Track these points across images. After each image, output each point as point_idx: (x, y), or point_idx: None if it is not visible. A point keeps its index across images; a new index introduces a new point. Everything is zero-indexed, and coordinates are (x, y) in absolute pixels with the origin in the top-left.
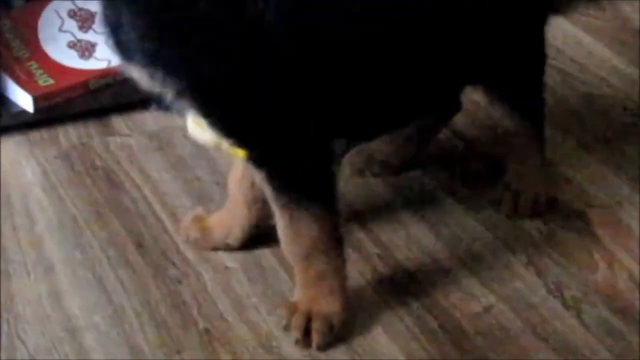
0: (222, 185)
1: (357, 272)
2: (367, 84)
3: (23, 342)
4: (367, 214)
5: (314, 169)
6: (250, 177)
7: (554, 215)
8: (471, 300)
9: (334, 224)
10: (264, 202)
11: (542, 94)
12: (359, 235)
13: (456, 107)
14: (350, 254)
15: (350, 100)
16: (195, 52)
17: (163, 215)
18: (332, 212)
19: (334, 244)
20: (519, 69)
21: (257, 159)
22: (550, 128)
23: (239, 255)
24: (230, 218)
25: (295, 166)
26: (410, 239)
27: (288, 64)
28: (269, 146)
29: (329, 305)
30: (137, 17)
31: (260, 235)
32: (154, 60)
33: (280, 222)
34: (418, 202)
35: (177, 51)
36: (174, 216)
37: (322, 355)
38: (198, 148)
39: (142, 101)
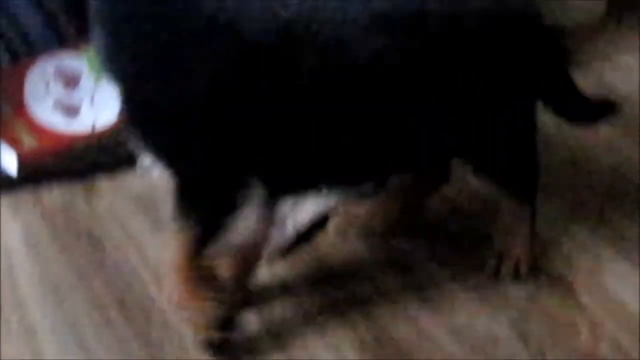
0: None
1: (338, 338)
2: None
3: None
4: (348, 278)
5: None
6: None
7: (538, 280)
8: None
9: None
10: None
11: (534, 167)
12: (341, 298)
13: (443, 177)
14: (331, 318)
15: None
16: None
17: (146, 277)
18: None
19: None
20: (504, 146)
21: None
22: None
23: None
24: None
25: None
26: (394, 305)
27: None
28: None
29: None
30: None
31: None
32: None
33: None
34: (401, 266)
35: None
36: (157, 277)
37: None
38: None
39: (126, 162)
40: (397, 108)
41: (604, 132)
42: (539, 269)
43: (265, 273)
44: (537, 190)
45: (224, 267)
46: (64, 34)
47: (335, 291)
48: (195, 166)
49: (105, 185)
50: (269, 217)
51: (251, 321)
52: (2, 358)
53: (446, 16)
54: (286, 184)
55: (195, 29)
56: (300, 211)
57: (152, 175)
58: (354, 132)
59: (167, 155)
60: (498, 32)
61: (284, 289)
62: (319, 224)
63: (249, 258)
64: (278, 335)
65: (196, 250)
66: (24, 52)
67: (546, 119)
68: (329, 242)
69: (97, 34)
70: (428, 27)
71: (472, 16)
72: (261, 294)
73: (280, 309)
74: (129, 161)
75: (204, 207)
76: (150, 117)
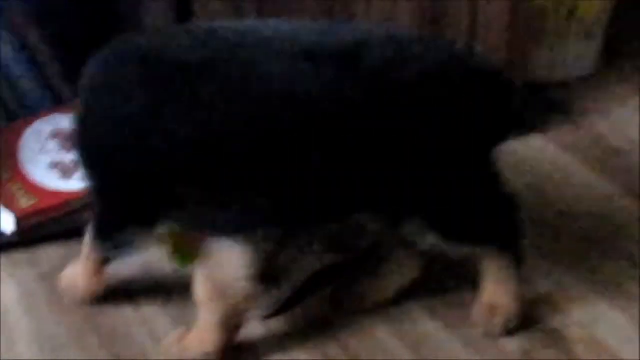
0: None
1: None
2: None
3: None
4: (338, 326)
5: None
6: None
7: (532, 334)
8: None
9: None
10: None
11: (505, 217)
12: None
13: None
14: None
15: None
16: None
17: (142, 337)
18: None
19: None
20: (461, 201)
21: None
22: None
23: None
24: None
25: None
26: (385, 353)
27: None
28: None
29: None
30: None
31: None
32: None
33: None
34: (396, 320)
35: None
36: (155, 337)
37: None
38: (179, 270)
39: None
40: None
41: (595, 183)
42: (533, 322)
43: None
44: (516, 241)
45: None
46: (60, 95)
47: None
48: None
49: None
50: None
51: None
52: None
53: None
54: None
55: None
56: (298, 268)
57: None
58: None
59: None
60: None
61: None
62: (316, 282)
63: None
64: None
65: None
66: (21, 114)
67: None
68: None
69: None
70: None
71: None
72: None
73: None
74: None
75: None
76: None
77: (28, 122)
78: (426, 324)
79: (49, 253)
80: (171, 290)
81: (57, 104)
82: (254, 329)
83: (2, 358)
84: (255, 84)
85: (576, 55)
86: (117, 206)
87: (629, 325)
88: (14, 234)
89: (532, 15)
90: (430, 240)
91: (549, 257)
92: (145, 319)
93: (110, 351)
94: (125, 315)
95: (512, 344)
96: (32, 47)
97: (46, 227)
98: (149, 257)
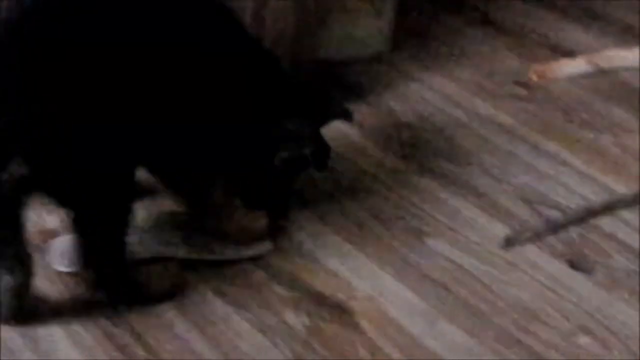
0: None
1: None
2: None
3: None
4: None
5: None
6: None
7: (318, 309)
8: None
9: None
10: None
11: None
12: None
13: None
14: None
15: None
16: None
17: None
18: None
19: None
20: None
21: None
22: (312, 218)
23: None
24: None
25: None
26: (175, 339)
27: None
28: None
29: None
30: None
31: None
32: None
33: None
34: (186, 303)
35: None
36: None
37: None
38: None
39: None
40: None
41: (384, 159)
42: (319, 297)
43: None
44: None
45: None
46: None
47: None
48: None
49: None
50: None
51: None
52: None
53: None
54: None
55: None
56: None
57: None
58: None
59: None
60: None
61: None
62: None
63: None
64: None
65: None
66: None
67: None
68: None
69: None
70: None
71: None
72: None
73: None
74: None
75: None
76: None
77: None
78: (215, 304)
79: None
80: None
81: None
82: None
83: None
84: None
85: (367, 33)
86: None
87: (413, 297)
88: None
89: None
90: None
91: (337, 232)
92: None
93: None
94: None
95: (298, 320)
96: None
97: None
98: None
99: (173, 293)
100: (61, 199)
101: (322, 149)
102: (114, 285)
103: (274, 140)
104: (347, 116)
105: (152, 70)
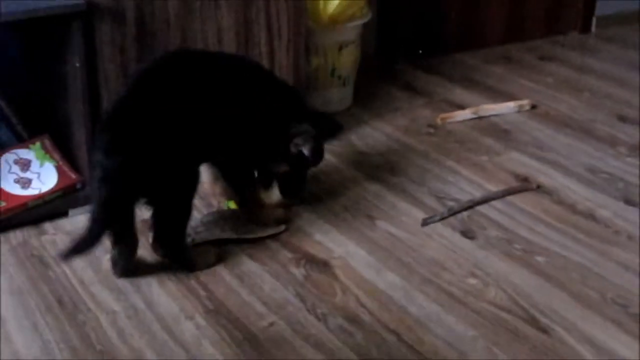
0: None
1: None
2: None
3: None
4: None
5: None
6: None
7: (311, 264)
8: None
9: None
10: None
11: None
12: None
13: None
14: None
15: None
16: None
17: (74, 281)
18: None
19: None
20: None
21: None
22: (307, 210)
23: None
24: None
25: None
26: (224, 285)
27: None
28: None
29: None
30: None
31: None
32: None
33: None
34: (231, 263)
35: None
36: (82, 281)
37: None
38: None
39: (61, 213)
40: None
41: (348, 173)
42: (311, 257)
43: None
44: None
45: None
46: (21, 136)
47: None
48: None
49: (49, 227)
50: None
51: None
52: None
53: None
54: None
55: None
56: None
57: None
58: None
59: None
60: None
61: None
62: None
63: None
64: None
65: None
66: None
67: None
68: None
69: None
70: None
71: None
72: None
73: None
74: (64, 212)
75: None
76: None
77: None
78: (248, 264)
79: (16, 235)
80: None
81: (19, 141)
82: None
83: None
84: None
85: (338, 97)
86: None
87: (368, 256)
88: None
89: (309, 72)
90: None
91: (322, 218)
92: (76, 274)
93: (53, 292)
94: (64, 271)
95: (298, 271)
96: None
97: (13, 218)
98: (80, 233)
99: (216, 263)
100: (151, 201)
101: (319, 148)
102: (177, 260)
103: (293, 135)
104: (339, 129)
105: (228, 112)
